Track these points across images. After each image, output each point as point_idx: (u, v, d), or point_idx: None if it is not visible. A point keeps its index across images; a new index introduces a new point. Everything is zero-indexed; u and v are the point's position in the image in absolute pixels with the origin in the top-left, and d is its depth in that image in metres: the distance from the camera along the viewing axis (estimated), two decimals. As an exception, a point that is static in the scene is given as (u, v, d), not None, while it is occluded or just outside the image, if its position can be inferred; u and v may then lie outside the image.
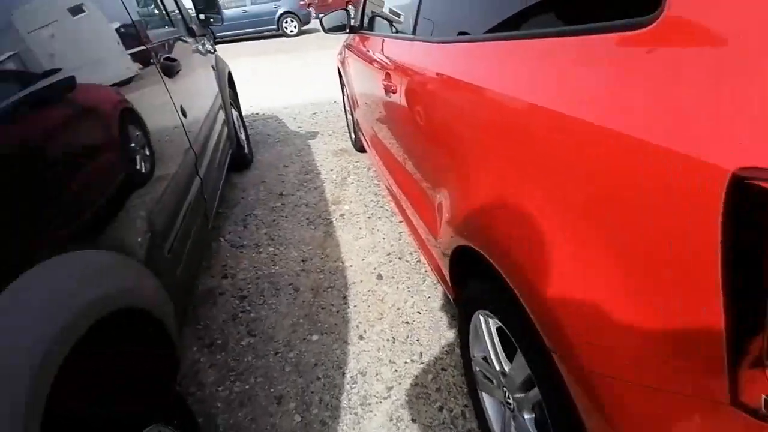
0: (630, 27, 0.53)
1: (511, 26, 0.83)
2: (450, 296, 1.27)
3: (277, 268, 1.90)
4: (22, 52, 0.71)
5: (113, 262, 0.74)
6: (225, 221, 2.34)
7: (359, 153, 3.11)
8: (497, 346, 0.96)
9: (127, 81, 1.08)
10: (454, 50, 1.01)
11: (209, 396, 1.31)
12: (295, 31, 11.19)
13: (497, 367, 0.96)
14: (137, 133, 1.02)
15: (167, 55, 1.45)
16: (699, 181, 0.42)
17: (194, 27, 2.20)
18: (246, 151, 2.93)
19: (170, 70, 1.40)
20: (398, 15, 1.63)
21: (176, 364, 0.91)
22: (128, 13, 1.26)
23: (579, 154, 0.57)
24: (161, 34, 1.63)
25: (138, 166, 0.98)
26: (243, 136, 2.97)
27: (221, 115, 2.30)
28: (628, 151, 0.49)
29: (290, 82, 5.83)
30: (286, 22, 11.16)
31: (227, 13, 10.79)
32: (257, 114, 4.46)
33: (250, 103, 4.79)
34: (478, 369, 1.11)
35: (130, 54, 1.16)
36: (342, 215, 2.31)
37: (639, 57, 0.52)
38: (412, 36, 1.30)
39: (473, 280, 1.01)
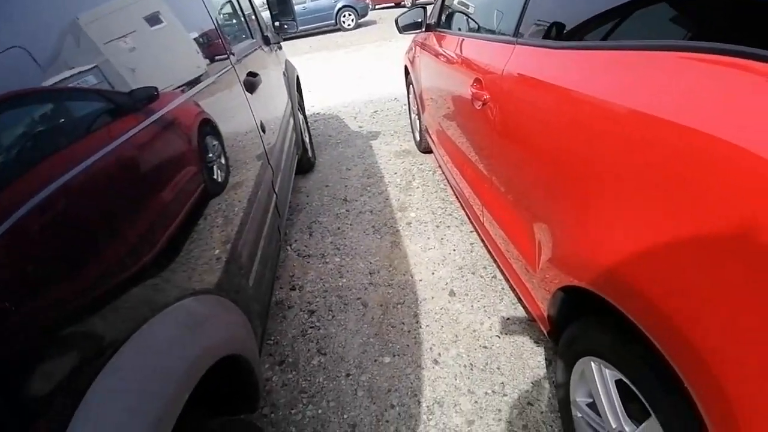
0: None
1: (665, 33, 0.68)
2: (543, 327, 1.15)
3: (345, 280, 1.88)
4: (106, 65, 0.68)
5: (210, 308, 0.72)
6: (291, 229, 2.36)
7: (423, 154, 3.02)
8: (615, 402, 0.84)
9: (213, 104, 1.06)
10: (582, 58, 0.85)
11: (282, 419, 1.30)
12: (353, 24, 11.20)
13: (613, 424, 0.84)
14: (222, 160, 1.01)
15: (249, 70, 1.44)
16: None
17: (269, 35, 2.21)
18: (310, 154, 2.95)
19: (252, 85, 1.39)
20: (491, 13, 1.49)
21: (257, 402, 0.89)
22: (217, 28, 1.25)
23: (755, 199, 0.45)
24: (243, 48, 1.63)
25: (223, 195, 0.96)
26: (307, 139, 2.99)
27: (291, 122, 2.31)
28: None
29: (350, 78, 5.82)
30: (344, 16, 11.20)
31: (288, 10, 11.04)
32: (318, 113, 4.50)
33: (311, 102, 4.84)
34: (579, 415, 0.99)
35: (217, 73, 1.15)
36: (408, 223, 2.24)
37: None
38: (514, 38, 1.15)
39: (586, 323, 0.89)
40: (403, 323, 1.60)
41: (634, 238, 0.66)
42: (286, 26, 2.38)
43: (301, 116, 2.81)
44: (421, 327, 1.58)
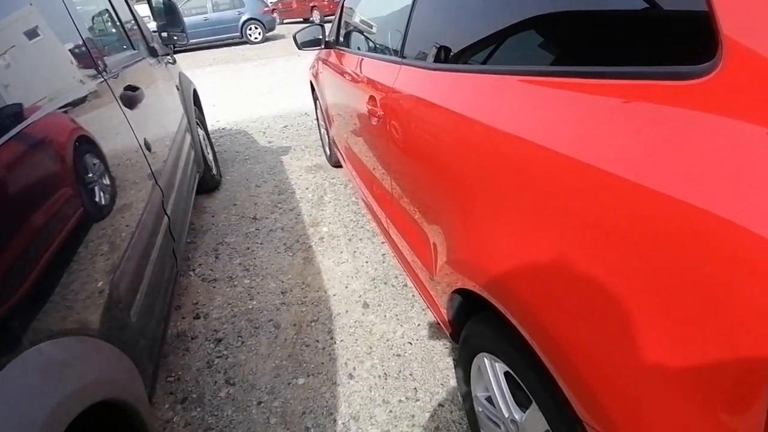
0: (676, 76, 0.49)
1: (531, 59, 0.76)
2: (446, 330, 1.21)
3: (255, 303, 1.79)
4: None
5: (75, 350, 0.63)
6: (194, 252, 2.19)
7: (335, 168, 3.03)
8: (506, 392, 0.91)
9: (82, 122, 0.95)
10: (458, 80, 0.92)
11: (187, 461, 1.19)
12: (260, 38, 10.94)
13: (505, 414, 0.91)
14: (90, 182, 0.90)
15: (128, 84, 1.32)
16: None
17: (156, 46, 2.05)
18: (214, 171, 2.78)
19: (132, 100, 1.27)
20: (381, 34, 1.55)
21: None
22: (80, 35, 1.12)
23: (609, 210, 0.53)
24: (120, 60, 1.48)
25: (92, 221, 0.86)
26: (210, 156, 2.82)
27: (187, 138, 2.16)
28: (658, 210, 0.46)
29: (258, 92, 5.66)
30: (250, 29, 10.90)
31: (187, 20, 10.40)
32: (224, 129, 4.28)
33: (216, 117, 4.60)
34: (480, 410, 1.06)
35: (82, 88, 1.04)
36: (321, 238, 2.22)
37: (687, 115, 0.47)
38: (399, 59, 1.22)
39: (477, 322, 0.96)
40: (317, 341, 1.57)
41: (509, 245, 0.73)
42: (175, 38, 2.23)
43: (201, 132, 2.64)
44: (335, 343, 1.56)
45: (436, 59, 1.02)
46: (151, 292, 1.06)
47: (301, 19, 13.69)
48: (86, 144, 0.94)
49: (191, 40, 10.32)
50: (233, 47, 10.57)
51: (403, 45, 1.21)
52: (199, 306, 1.80)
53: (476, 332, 0.96)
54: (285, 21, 14.14)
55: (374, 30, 1.71)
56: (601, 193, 0.54)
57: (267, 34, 11.10)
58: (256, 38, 10.92)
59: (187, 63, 8.87)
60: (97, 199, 0.89)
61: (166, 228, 1.34)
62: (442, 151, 0.95)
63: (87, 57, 1.13)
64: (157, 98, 1.73)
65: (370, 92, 1.42)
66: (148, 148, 1.30)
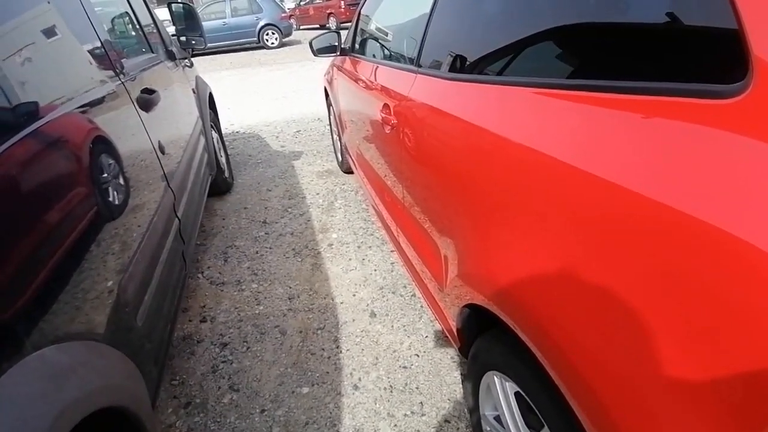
0: (705, 94, 0.46)
1: (549, 71, 0.74)
2: (454, 344, 1.18)
3: (262, 308, 1.78)
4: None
5: (79, 356, 0.62)
6: (204, 255, 2.20)
7: (346, 174, 3.02)
8: (516, 414, 0.88)
9: (97, 123, 0.96)
10: (473, 91, 0.90)
11: (188, 468, 1.17)
12: (277, 43, 11.09)
13: (514, 436, 0.88)
14: (104, 183, 0.90)
15: (145, 87, 1.33)
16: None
17: (174, 49, 2.08)
18: (226, 174, 2.80)
19: (148, 103, 1.28)
20: (397, 42, 1.54)
21: None
22: (98, 37, 1.13)
23: (628, 228, 0.51)
24: (138, 63, 1.50)
25: (108, 223, 0.86)
26: (223, 159, 2.84)
27: (201, 141, 2.17)
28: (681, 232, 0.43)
29: (272, 96, 5.71)
30: (267, 35, 11.06)
31: (206, 25, 10.60)
32: (238, 132, 4.32)
33: (230, 120, 4.65)
34: (488, 429, 1.02)
35: (99, 90, 1.04)
36: (330, 245, 2.21)
37: (714, 135, 0.45)
38: (416, 67, 1.21)
39: (487, 338, 0.93)
40: (323, 349, 1.55)
41: (522, 260, 0.71)
42: (193, 42, 2.26)
43: (215, 135, 2.67)
44: (341, 352, 1.54)
45: (452, 69, 1.01)
46: (159, 296, 1.06)
47: (318, 26, 13.85)
48: (100, 145, 0.94)
49: (210, 44, 10.57)
50: (250, 52, 10.72)
51: (419, 54, 1.19)
52: (206, 309, 1.79)
53: (486, 349, 0.93)
54: (302, 27, 14.33)
55: (390, 38, 1.71)
56: (619, 210, 0.52)
57: (284, 40, 11.25)
58: (272, 43, 11.07)
59: (204, 66, 9.04)
60: (108, 201, 0.89)
61: (177, 230, 1.34)
62: (456, 162, 0.93)
63: (105, 58, 1.14)
64: (173, 101, 1.75)
65: (384, 100, 1.41)
66: (162, 151, 1.31)
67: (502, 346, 0.86)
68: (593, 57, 0.67)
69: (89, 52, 1.10)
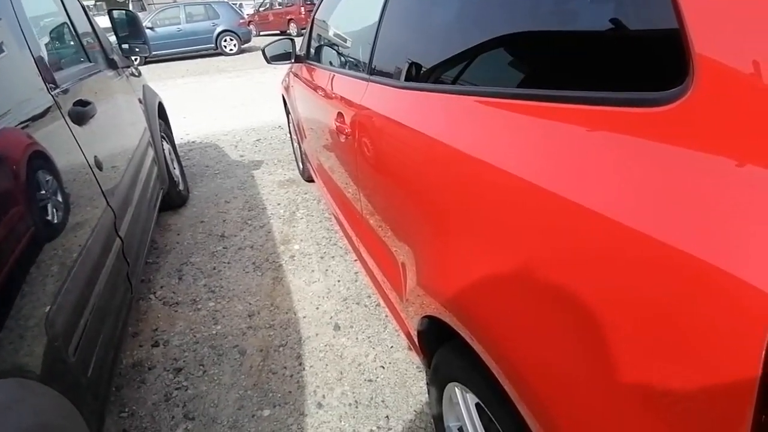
0: (642, 103, 0.46)
1: (496, 81, 0.74)
2: (417, 355, 1.16)
3: (219, 327, 1.70)
4: None
5: (18, 393, 0.56)
6: (156, 273, 2.07)
7: (308, 183, 2.96)
8: (477, 425, 0.87)
9: (22, 141, 0.87)
10: (423, 100, 0.89)
11: None
12: (236, 49, 10.85)
13: (476, 447, 0.86)
14: (35, 207, 0.82)
15: (78, 99, 1.23)
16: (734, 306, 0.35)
17: (116, 58, 1.96)
18: (180, 187, 2.67)
19: (82, 116, 1.18)
20: (350, 49, 1.52)
21: None
22: (28, 47, 1.04)
23: (578, 239, 0.50)
24: (73, 73, 1.39)
25: (35, 249, 0.78)
26: (177, 171, 2.72)
27: (150, 153, 2.06)
28: (626, 243, 0.43)
29: (231, 104, 5.56)
30: (225, 41, 10.79)
31: (160, 31, 10.26)
32: (194, 142, 4.16)
33: (186, 130, 4.47)
34: (452, 440, 1.01)
35: (28, 103, 0.95)
36: (292, 256, 2.15)
37: (651, 143, 0.45)
38: (367, 75, 1.19)
39: (447, 350, 0.92)
40: (285, 367, 1.49)
41: (473, 271, 0.69)
42: (137, 49, 2.14)
43: (167, 146, 2.54)
44: (304, 369, 1.49)
45: (401, 77, 1.00)
46: (97, 324, 0.97)
47: (278, 32, 13.66)
48: (25, 165, 0.86)
49: (164, 51, 10.17)
50: (208, 59, 10.42)
51: (370, 61, 1.18)
52: (159, 332, 1.69)
53: (447, 360, 0.92)
54: (262, 33, 14.08)
55: (343, 45, 1.68)
56: (567, 221, 0.52)
57: (243, 46, 11.02)
58: (231, 50, 10.82)
59: (158, 74, 8.69)
60: (34, 226, 0.81)
61: (119, 251, 1.25)
62: (407, 171, 0.91)
63: (33, 70, 1.05)
64: (114, 113, 1.64)
65: (338, 108, 1.38)
66: (99, 167, 1.22)
67: (461, 357, 0.84)
68: (532, 66, 0.68)
69: (16, 63, 1.01)
